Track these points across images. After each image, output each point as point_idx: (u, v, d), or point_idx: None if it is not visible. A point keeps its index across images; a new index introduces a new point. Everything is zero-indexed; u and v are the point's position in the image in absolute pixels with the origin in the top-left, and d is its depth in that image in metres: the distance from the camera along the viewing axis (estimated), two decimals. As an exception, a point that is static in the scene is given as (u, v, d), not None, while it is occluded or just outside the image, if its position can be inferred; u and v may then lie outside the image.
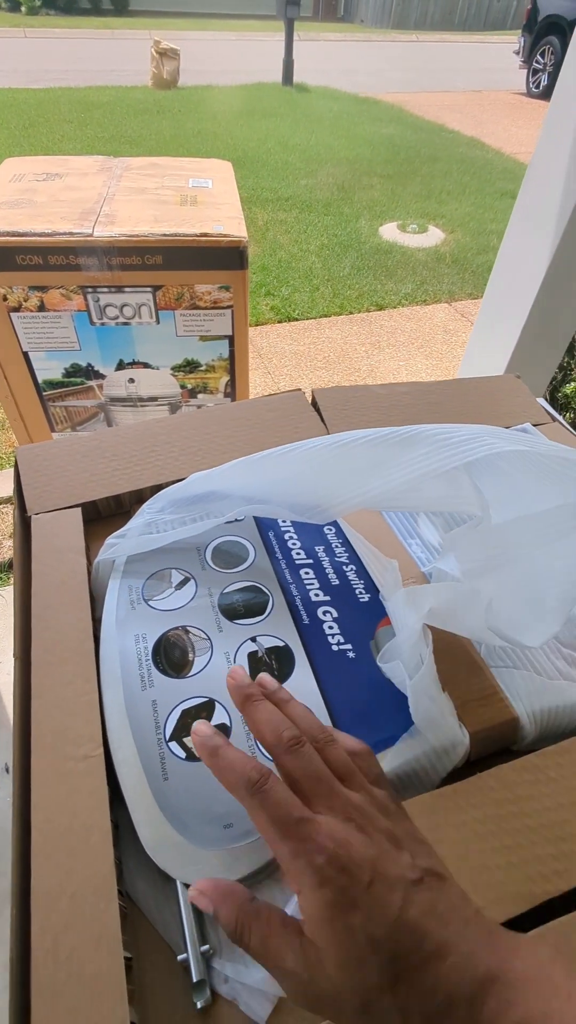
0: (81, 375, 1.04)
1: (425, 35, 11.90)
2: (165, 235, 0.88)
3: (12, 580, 1.24)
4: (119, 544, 0.36)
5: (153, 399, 1.11)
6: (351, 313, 2.25)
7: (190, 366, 1.06)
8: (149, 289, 0.94)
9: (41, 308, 0.94)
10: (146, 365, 1.05)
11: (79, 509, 0.39)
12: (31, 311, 0.94)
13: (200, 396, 1.11)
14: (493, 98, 5.95)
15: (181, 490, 0.37)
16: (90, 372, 1.04)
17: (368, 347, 2.05)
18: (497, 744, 0.31)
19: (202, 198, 1.03)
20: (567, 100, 0.73)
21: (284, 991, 0.19)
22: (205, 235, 0.89)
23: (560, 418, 0.53)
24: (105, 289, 0.93)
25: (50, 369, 1.03)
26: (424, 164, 3.75)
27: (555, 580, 0.26)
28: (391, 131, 4.44)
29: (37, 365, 1.02)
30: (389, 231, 2.88)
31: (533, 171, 0.80)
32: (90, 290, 0.93)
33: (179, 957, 0.23)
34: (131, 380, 1.07)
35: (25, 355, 1.00)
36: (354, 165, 3.67)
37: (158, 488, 0.40)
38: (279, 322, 2.17)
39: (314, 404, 0.50)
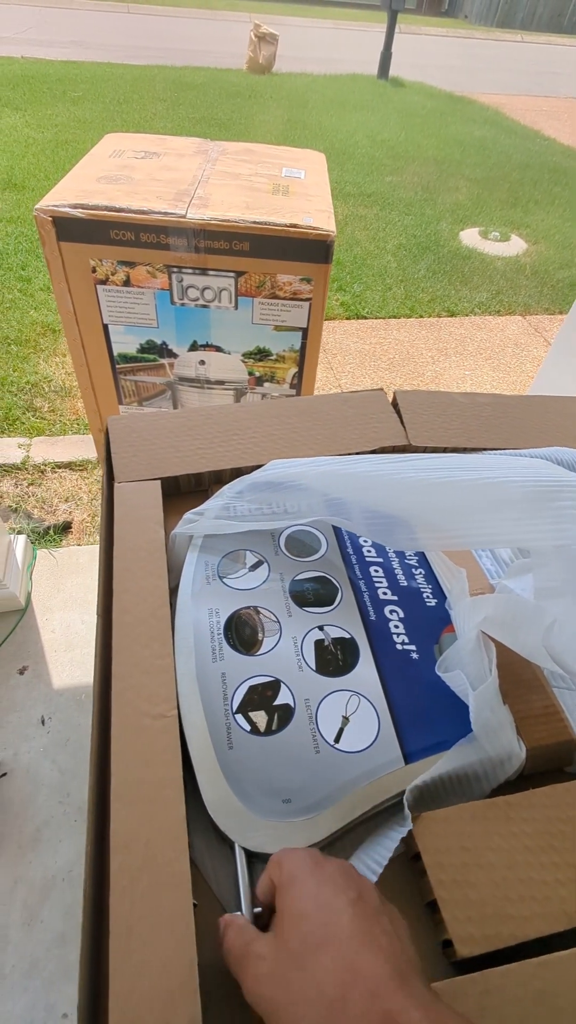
0: (155, 352, 1.07)
1: (531, 36, 11.47)
2: (255, 222, 0.89)
3: (63, 541, 1.29)
4: (198, 521, 0.37)
5: (220, 383, 1.12)
6: (421, 316, 2.21)
7: (261, 354, 1.07)
8: (232, 274, 0.95)
9: (126, 283, 0.96)
10: (218, 349, 1.06)
11: (159, 483, 0.40)
12: (116, 285, 0.97)
13: (266, 385, 1.12)
14: (596, 107, 5.69)
15: (262, 478, 0.37)
16: (163, 350, 1.07)
17: (435, 353, 2.02)
18: (551, 763, 0.30)
19: (294, 188, 1.03)
20: None
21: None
22: (294, 226, 0.89)
23: None
24: (190, 270, 0.95)
25: (126, 343, 1.06)
26: (514, 170, 3.63)
27: None
28: (484, 133, 4.32)
29: (114, 339, 1.05)
30: (470, 236, 2.81)
31: None
32: (175, 270, 0.95)
33: (253, 911, 0.24)
34: (202, 362, 1.08)
35: (105, 328, 1.03)
36: (441, 165, 3.59)
37: (237, 471, 0.41)
38: (347, 319, 2.16)
39: (395, 405, 0.49)
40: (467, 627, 0.31)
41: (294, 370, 1.10)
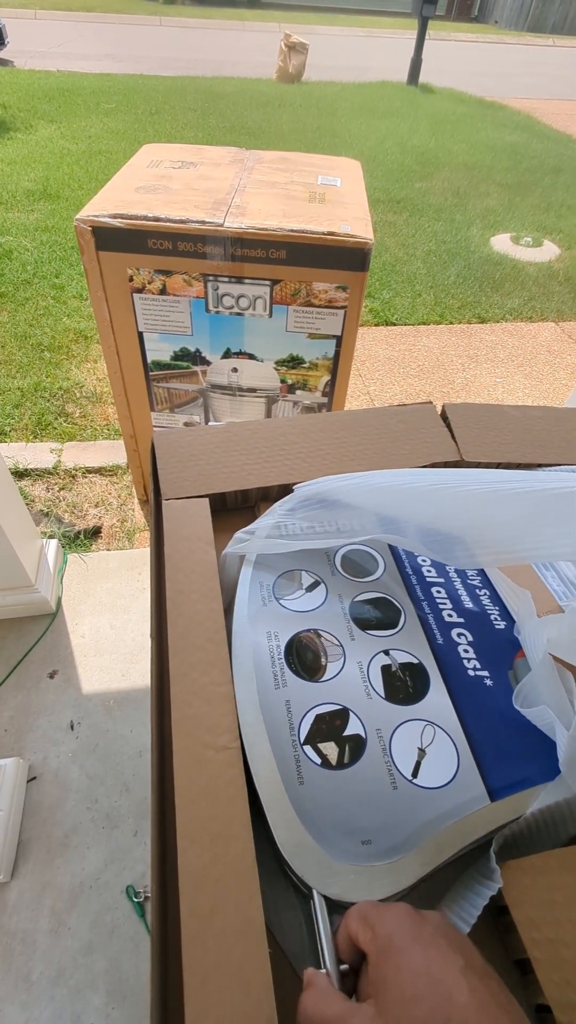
0: (188, 359, 1.07)
1: (563, 40, 11.32)
2: (293, 231, 0.89)
3: (92, 546, 1.30)
4: (249, 541, 0.36)
5: (252, 390, 1.12)
6: (451, 323, 2.18)
7: (294, 361, 1.06)
8: (268, 283, 0.95)
9: (163, 292, 0.97)
10: (251, 356, 1.06)
11: (207, 500, 0.39)
12: (153, 294, 0.97)
13: (298, 392, 1.12)
14: (631, 110, 5.58)
15: (314, 495, 0.36)
16: (197, 357, 1.07)
17: (465, 360, 1.99)
18: None
19: (330, 196, 1.02)
20: None
21: None
22: (332, 234, 0.89)
23: None
24: (226, 279, 0.95)
25: (160, 351, 1.06)
26: (547, 175, 3.58)
27: None
28: (515, 138, 4.26)
29: (149, 346, 1.05)
30: (501, 242, 2.77)
31: None
32: (211, 278, 0.95)
33: (320, 971, 0.22)
34: (234, 369, 1.08)
35: (140, 335, 1.04)
36: (472, 171, 3.56)
37: (285, 487, 0.40)
38: (376, 325, 2.14)
39: (444, 418, 0.48)
40: (536, 651, 0.29)
41: (326, 378, 1.09)
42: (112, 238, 0.90)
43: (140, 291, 0.97)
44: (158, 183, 1.01)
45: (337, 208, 0.98)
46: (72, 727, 0.95)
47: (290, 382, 1.10)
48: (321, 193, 1.03)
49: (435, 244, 2.68)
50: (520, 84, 6.43)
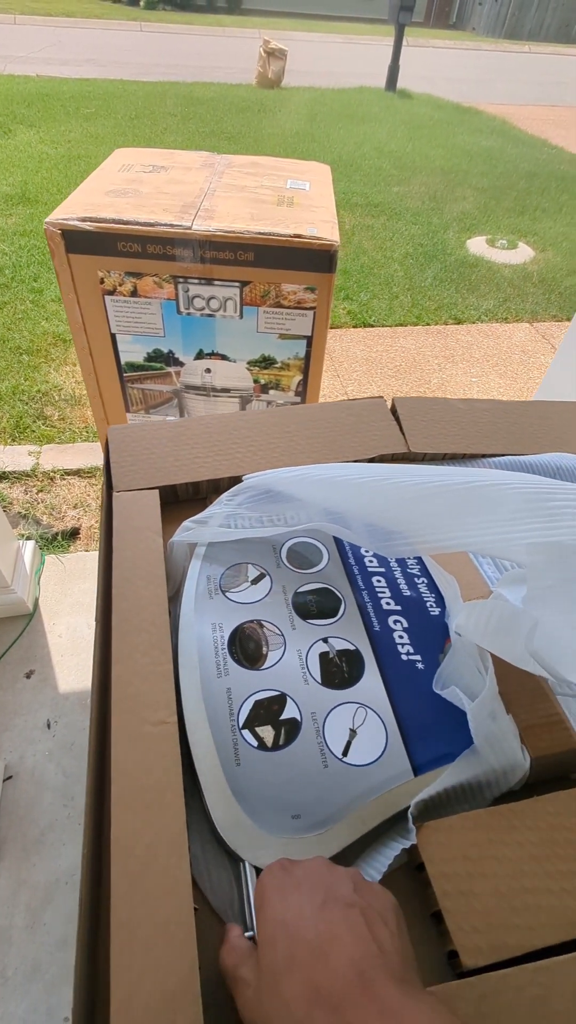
0: (161, 361, 1.09)
1: (538, 46, 11.53)
2: (259, 233, 0.91)
3: (71, 547, 1.31)
4: (195, 530, 0.37)
5: (226, 390, 1.14)
6: (428, 324, 2.22)
7: (266, 362, 1.08)
8: (238, 284, 0.96)
9: (134, 293, 0.98)
10: (224, 357, 1.08)
11: (157, 491, 0.41)
12: (124, 296, 0.98)
13: (272, 392, 1.13)
14: (604, 115, 5.70)
15: (260, 487, 0.38)
16: (170, 359, 1.08)
17: (441, 360, 2.02)
18: (556, 770, 0.30)
19: (299, 200, 1.04)
20: None
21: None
22: (298, 236, 0.91)
23: None
24: (196, 281, 0.96)
25: (133, 352, 1.07)
26: (521, 179, 3.64)
27: None
28: (491, 143, 4.34)
29: (122, 348, 1.06)
30: (477, 245, 2.82)
31: None
32: (181, 280, 0.96)
33: (246, 934, 0.24)
34: (207, 370, 1.10)
35: (113, 337, 1.05)
36: (448, 175, 3.61)
37: (235, 480, 0.41)
38: (354, 327, 2.17)
39: (393, 412, 0.50)
40: (455, 635, 0.31)
41: (299, 378, 1.11)
42: (82, 241, 0.91)
43: (111, 293, 0.98)
44: (128, 187, 1.03)
45: (305, 211, 1.00)
46: (49, 726, 0.95)
47: (263, 382, 1.12)
48: (290, 197, 1.05)
49: (412, 247, 2.72)
50: (496, 90, 6.54)
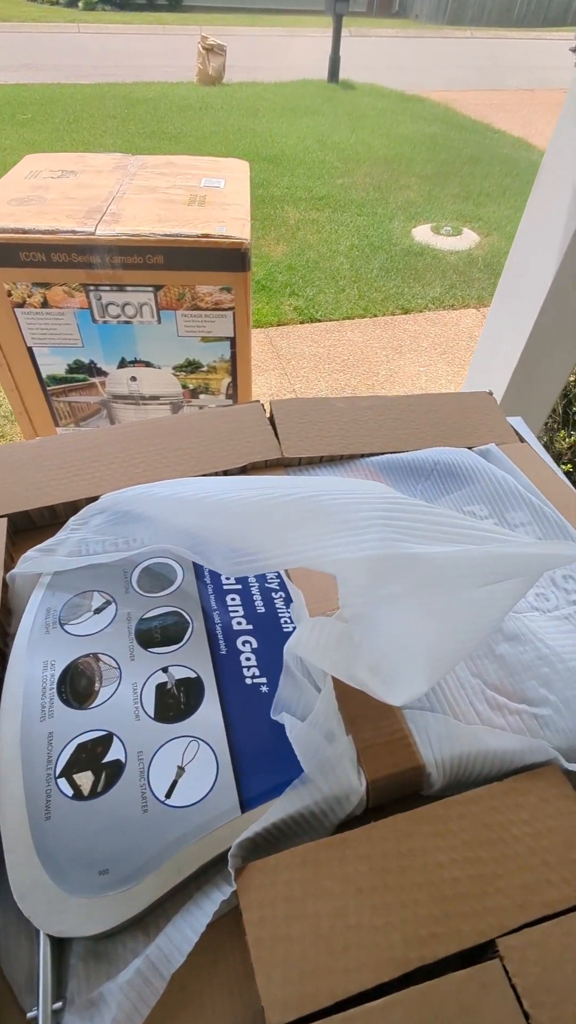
0: (84, 372, 1.05)
1: (480, 31, 11.63)
2: (166, 235, 0.88)
3: None
4: (38, 559, 0.35)
5: (155, 398, 1.11)
6: (375, 316, 2.21)
7: (192, 366, 1.06)
8: (150, 288, 0.94)
9: (44, 305, 0.95)
10: (148, 364, 1.05)
11: (5, 520, 0.38)
12: (35, 307, 0.95)
13: (202, 396, 1.11)
14: (544, 97, 5.77)
15: (111, 508, 0.36)
16: (93, 369, 1.05)
17: (389, 351, 2.02)
18: (400, 790, 0.28)
19: (211, 198, 1.02)
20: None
21: None
22: (207, 236, 0.88)
23: (532, 440, 0.50)
24: (107, 287, 0.93)
25: (53, 365, 1.04)
26: (464, 165, 3.66)
27: (435, 638, 0.24)
28: (434, 130, 4.36)
29: (41, 361, 1.03)
30: (422, 233, 2.82)
31: (543, 176, 0.76)
32: (92, 288, 0.93)
33: (28, 1015, 0.22)
34: (133, 378, 1.07)
35: (30, 350, 1.01)
36: (392, 165, 3.62)
37: (94, 499, 0.39)
38: (301, 323, 2.16)
39: (271, 417, 0.48)
40: (286, 653, 0.30)
41: (228, 380, 1.09)
42: (-18, 253, 0.87)
43: (21, 306, 0.94)
44: (33, 194, 0.99)
45: (216, 210, 0.97)
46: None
47: (192, 387, 1.09)
48: (202, 195, 1.03)
49: (358, 239, 2.71)
50: (440, 76, 6.57)
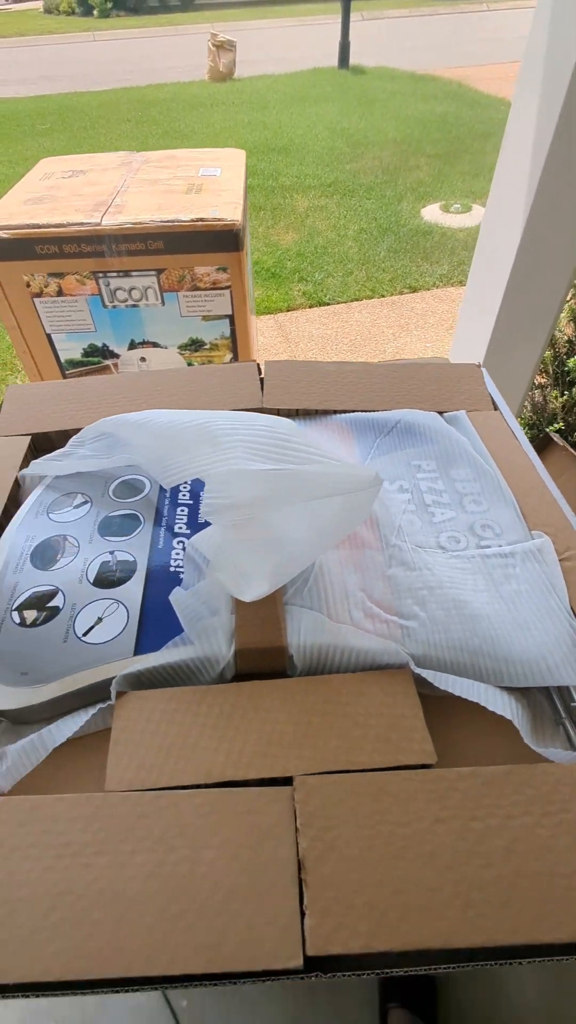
0: (98, 355, 1.15)
1: (496, 3, 11.30)
2: (165, 221, 0.96)
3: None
4: (42, 465, 0.44)
5: (164, 377, 1.19)
6: (383, 296, 2.25)
7: (195, 345, 1.14)
8: (153, 272, 1.02)
9: (59, 293, 1.04)
10: (155, 344, 1.13)
11: (29, 437, 0.47)
12: (51, 296, 1.05)
13: (207, 374, 1.19)
14: (562, 65, 5.60)
15: (99, 430, 0.44)
16: (106, 352, 1.14)
17: (396, 329, 2.06)
18: (266, 665, 0.33)
19: (208, 186, 1.09)
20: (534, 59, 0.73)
21: None
22: (201, 220, 0.96)
23: (505, 410, 0.52)
24: (114, 274, 1.02)
25: (70, 349, 1.13)
26: (476, 141, 3.63)
27: (277, 546, 0.30)
28: (445, 108, 4.32)
29: (59, 346, 1.13)
30: (431, 212, 2.83)
31: (508, 136, 0.81)
32: (101, 275, 1.02)
33: None
34: (142, 359, 1.16)
35: (48, 337, 1.11)
36: (402, 146, 3.61)
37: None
38: (310, 307, 2.21)
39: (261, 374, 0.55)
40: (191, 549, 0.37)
41: (230, 356, 1.16)
42: (2, 248, 0.97)
43: (39, 295, 1.04)
44: (46, 193, 1.08)
45: (212, 196, 1.05)
46: None
47: (197, 365, 1.17)
48: (199, 184, 1.10)
49: (366, 222, 2.74)
50: (453, 53, 6.46)
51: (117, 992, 0.22)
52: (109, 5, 11.73)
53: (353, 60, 5.73)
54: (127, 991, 0.21)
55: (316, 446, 0.32)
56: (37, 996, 0.21)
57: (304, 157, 3.45)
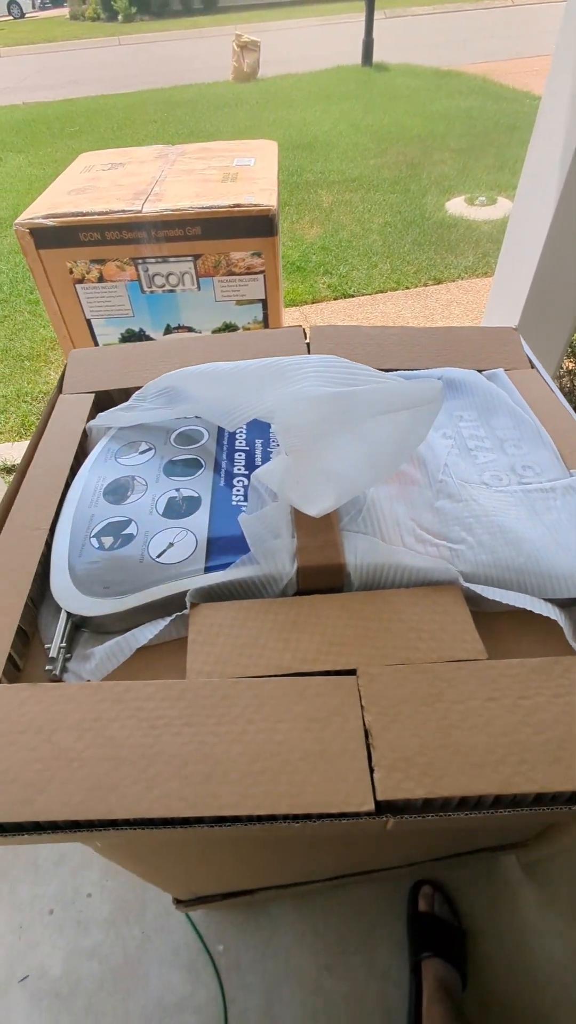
0: (135, 339, 1.19)
1: (522, -2, 11.16)
2: (203, 208, 1.00)
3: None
4: (107, 416, 0.47)
5: (198, 361, 1.23)
6: (407, 288, 2.27)
7: (228, 329, 1.17)
8: (190, 258, 1.06)
9: (100, 279, 1.09)
10: (190, 329, 1.17)
11: (93, 395, 0.51)
12: (92, 282, 1.09)
13: (239, 358, 1.23)
14: (589, 58, 5.52)
15: (161, 384, 0.48)
16: (142, 337, 1.18)
17: (421, 320, 2.07)
18: (325, 582, 0.35)
19: (243, 175, 1.13)
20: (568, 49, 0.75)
21: None
22: (237, 205, 0.99)
23: (542, 369, 0.54)
24: (153, 260, 1.06)
25: (109, 334, 1.18)
26: (501, 135, 3.61)
27: (352, 460, 0.32)
28: (469, 103, 4.30)
29: (98, 331, 1.17)
30: (456, 205, 2.83)
31: (540, 122, 0.82)
32: (140, 261, 1.06)
33: (46, 645, 0.34)
34: (178, 343, 1.20)
35: (88, 322, 1.16)
36: (426, 141, 3.61)
37: (161, 389, 0.51)
38: (335, 299, 2.24)
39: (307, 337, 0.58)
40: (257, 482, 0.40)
41: (262, 341, 1.20)
42: (48, 236, 1.02)
43: (80, 281, 1.09)
44: (88, 184, 1.13)
45: (247, 184, 1.08)
46: None
47: (230, 349, 1.21)
48: (234, 173, 1.14)
49: (391, 216, 2.76)
50: (477, 48, 6.42)
51: (213, 827, 0.25)
52: (133, 10, 11.92)
53: (377, 58, 5.74)
54: (220, 827, 0.24)
55: (379, 372, 0.35)
56: (145, 829, 0.24)
57: (328, 153, 3.47)
